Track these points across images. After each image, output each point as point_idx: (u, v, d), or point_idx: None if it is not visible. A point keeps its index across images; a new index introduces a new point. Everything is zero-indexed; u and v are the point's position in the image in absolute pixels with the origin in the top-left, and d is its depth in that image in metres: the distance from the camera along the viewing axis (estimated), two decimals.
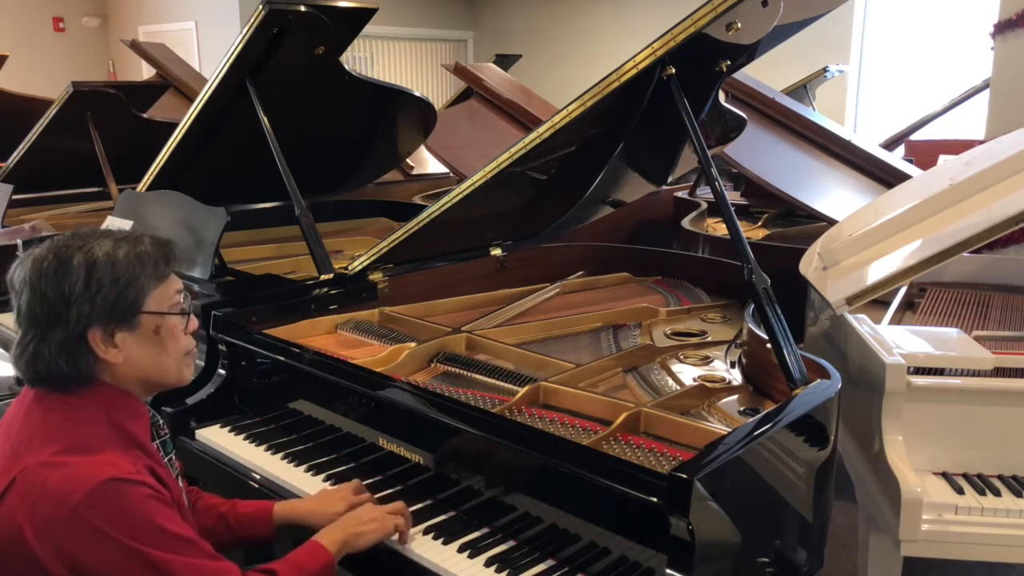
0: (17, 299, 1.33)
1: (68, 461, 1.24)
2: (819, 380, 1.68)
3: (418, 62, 10.99)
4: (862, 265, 2.32)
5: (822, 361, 1.77)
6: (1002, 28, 4.09)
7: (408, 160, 5.03)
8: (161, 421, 1.53)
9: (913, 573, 2.04)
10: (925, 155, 4.58)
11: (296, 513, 1.65)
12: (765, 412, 1.60)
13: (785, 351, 1.70)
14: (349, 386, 1.86)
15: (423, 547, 1.55)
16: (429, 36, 10.91)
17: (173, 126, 2.96)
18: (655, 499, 1.33)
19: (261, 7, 2.51)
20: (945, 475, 1.91)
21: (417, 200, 4.54)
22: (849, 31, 8.10)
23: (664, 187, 3.18)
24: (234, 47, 2.64)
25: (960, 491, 1.86)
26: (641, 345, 2.19)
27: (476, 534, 1.58)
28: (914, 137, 5.36)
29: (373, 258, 2.56)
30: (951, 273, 2.78)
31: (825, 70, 6.23)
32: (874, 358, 1.97)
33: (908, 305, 2.64)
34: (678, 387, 1.92)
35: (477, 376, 2.01)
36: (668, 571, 1.31)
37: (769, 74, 4.44)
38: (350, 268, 2.58)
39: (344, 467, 1.85)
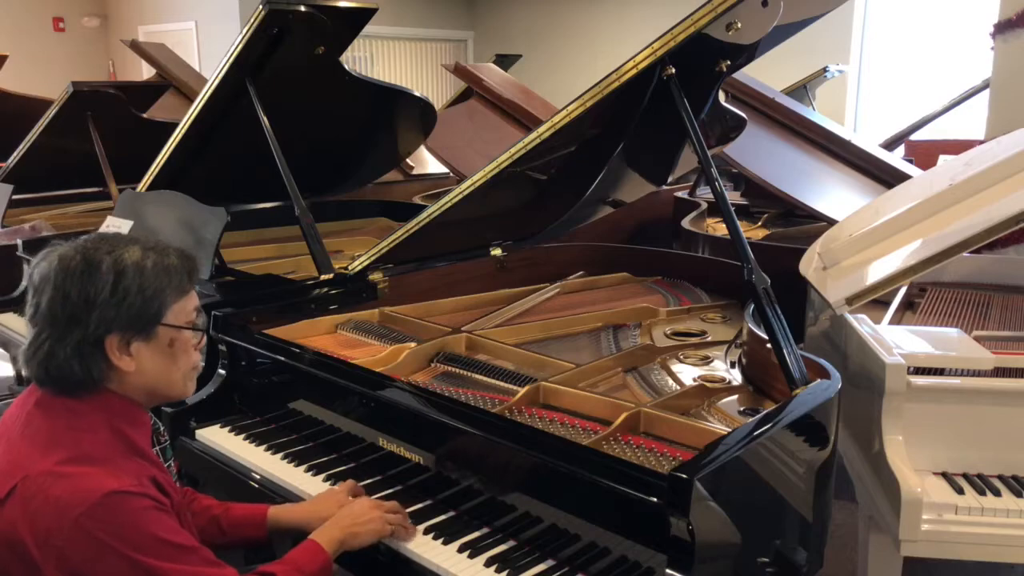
0: (36, 296, 1.33)
1: (71, 472, 1.24)
2: (819, 380, 1.68)
3: (418, 62, 10.99)
4: (862, 265, 2.32)
5: (822, 361, 1.77)
6: (1002, 28, 4.09)
7: (408, 160, 5.03)
8: (161, 428, 1.53)
9: (913, 573, 2.04)
10: (925, 155, 4.58)
11: (293, 518, 1.65)
12: (765, 412, 1.60)
13: (785, 351, 1.71)
14: (349, 386, 1.86)
15: (423, 547, 1.56)
16: (429, 36, 10.91)
17: (173, 126, 2.96)
18: (655, 499, 1.33)
19: (261, 7, 2.51)
20: (945, 475, 1.91)
21: (417, 200, 4.54)
22: (849, 31, 8.10)
23: (664, 187, 3.18)
24: (234, 47, 2.64)
25: (960, 491, 1.85)
26: (641, 345, 2.19)
27: (476, 534, 1.58)
28: (914, 137, 5.36)
29: (373, 258, 2.56)
30: (951, 273, 2.78)
31: (825, 70, 6.23)
32: (874, 358, 1.97)
33: (908, 305, 2.64)
34: (678, 387, 1.92)
35: (477, 376, 2.01)
36: (668, 571, 1.31)
37: (769, 74, 4.44)
38: (350, 268, 2.58)
39: (344, 467, 1.85)
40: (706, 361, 2.11)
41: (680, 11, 1.91)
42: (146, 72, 6.43)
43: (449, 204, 2.41)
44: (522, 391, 1.81)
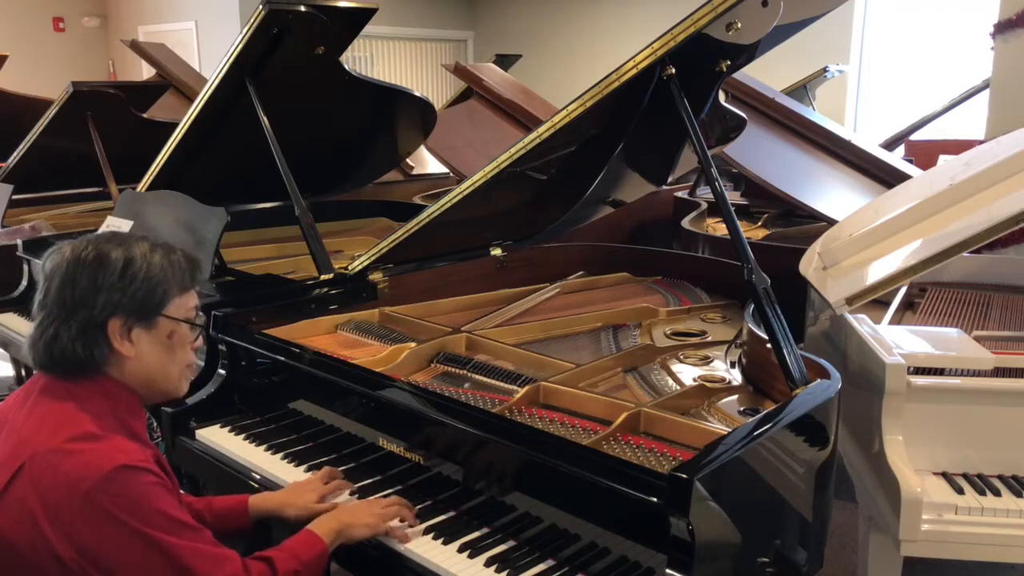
0: (47, 283, 1.38)
1: (79, 448, 1.28)
2: (819, 380, 1.68)
3: (418, 62, 10.99)
4: (862, 265, 2.32)
5: (822, 361, 1.77)
6: (1002, 28, 4.09)
7: (408, 160, 5.03)
8: (155, 424, 1.56)
9: (913, 573, 2.04)
10: (925, 155, 4.57)
11: (270, 504, 1.70)
12: (765, 412, 1.60)
13: (785, 351, 1.71)
14: (349, 386, 1.86)
15: (423, 547, 1.55)
16: (429, 36, 10.91)
17: (173, 126, 2.96)
18: (655, 499, 1.33)
19: (261, 7, 2.51)
20: (945, 475, 1.91)
21: (417, 200, 4.54)
22: (849, 31, 8.10)
23: (664, 187, 3.18)
24: (234, 47, 2.64)
25: (960, 491, 1.85)
26: (641, 345, 2.19)
27: (476, 534, 1.58)
28: (914, 137, 5.36)
29: (373, 258, 2.56)
30: (951, 273, 2.78)
31: (825, 70, 6.23)
32: (874, 358, 1.97)
33: (908, 305, 2.64)
34: (678, 387, 1.92)
35: (477, 376, 2.01)
36: (668, 571, 1.31)
37: (769, 74, 4.44)
38: (350, 268, 2.58)
39: (344, 467, 1.84)
40: (706, 361, 2.11)
41: (680, 11, 1.91)
42: (146, 72, 6.43)
43: (449, 204, 2.41)
44: (522, 391, 1.81)
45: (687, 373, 2.02)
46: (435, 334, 2.22)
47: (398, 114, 3.43)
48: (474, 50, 11.35)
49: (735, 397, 1.87)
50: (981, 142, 3.61)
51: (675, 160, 2.70)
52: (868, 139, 4.39)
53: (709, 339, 2.32)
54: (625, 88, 2.06)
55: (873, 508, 2.00)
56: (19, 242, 3.34)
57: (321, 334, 2.30)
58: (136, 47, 5.59)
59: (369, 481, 1.78)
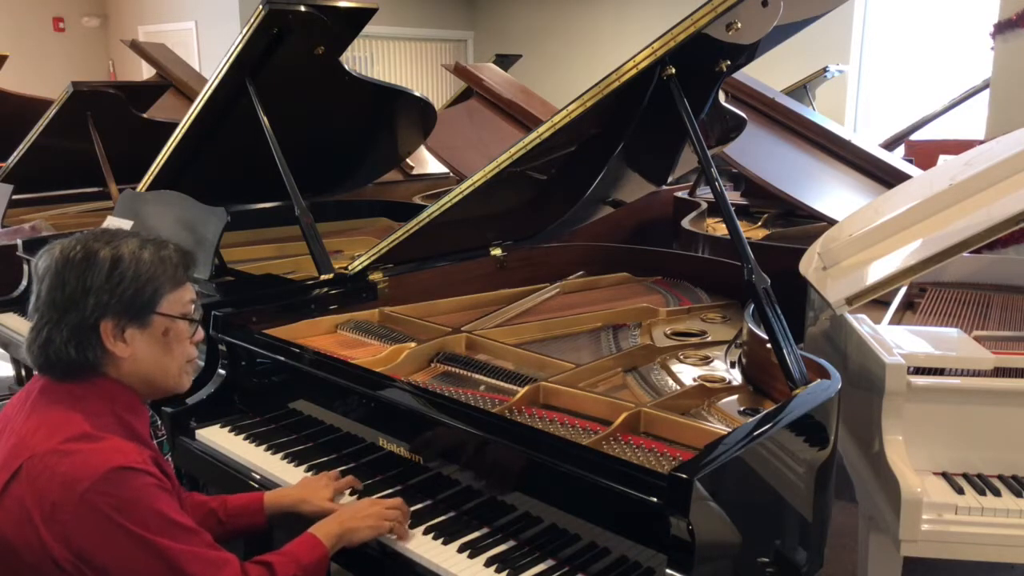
0: (38, 285, 1.37)
1: (76, 448, 1.27)
2: (819, 380, 1.68)
3: (418, 62, 10.99)
4: (862, 265, 2.32)
5: (822, 361, 1.77)
6: (1002, 28, 4.09)
7: (408, 160, 5.03)
8: (159, 422, 1.55)
9: (913, 573, 2.04)
10: (925, 155, 4.57)
11: (286, 501, 1.69)
12: (765, 412, 1.60)
13: (785, 351, 1.71)
14: (349, 386, 1.86)
15: (423, 547, 1.55)
16: (429, 36, 10.91)
17: (173, 126, 2.96)
18: (655, 499, 1.33)
19: (261, 7, 2.51)
20: (945, 475, 1.91)
21: (417, 200, 4.54)
22: (849, 31, 8.10)
23: (664, 187, 3.18)
24: (234, 47, 2.64)
25: (960, 491, 1.85)
26: (641, 345, 2.19)
27: (476, 534, 1.58)
28: (914, 137, 5.36)
29: (373, 258, 2.56)
30: (951, 273, 2.78)
31: (825, 70, 6.23)
32: (874, 358, 1.97)
33: (908, 305, 2.64)
34: (678, 387, 1.92)
35: (477, 376, 2.01)
36: (668, 571, 1.31)
37: (769, 74, 4.44)
38: (350, 268, 2.58)
39: (344, 467, 1.84)
40: (706, 361, 2.11)
41: (680, 11, 1.91)
42: (146, 72, 6.43)
43: (449, 204, 2.41)
44: (522, 391, 1.81)
45: (687, 373, 2.02)
46: (435, 334, 2.22)
47: (398, 114, 3.43)
48: (474, 50, 11.35)
49: (735, 397, 1.87)
50: (981, 142, 3.61)
51: (675, 160, 2.70)
52: (868, 139, 4.39)
53: (709, 339, 2.32)
54: (625, 88, 2.06)
55: (873, 508, 2.00)
56: (19, 242, 3.34)
57: (321, 334, 2.30)
58: (136, 47, 5.59)
59: (369, 481, 1.78)
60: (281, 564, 1.42)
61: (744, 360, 2.06)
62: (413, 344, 2.12)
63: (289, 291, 2.53)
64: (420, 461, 1.72)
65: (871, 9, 8.22)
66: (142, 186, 3.03)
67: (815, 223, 3.72)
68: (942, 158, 3.71)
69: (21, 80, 6.49)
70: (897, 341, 2.05)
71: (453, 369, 2.06)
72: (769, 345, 1.75)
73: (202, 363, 2.25)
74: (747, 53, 2.15)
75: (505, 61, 7.23)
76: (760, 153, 3.68)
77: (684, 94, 2.00)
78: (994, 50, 4.18)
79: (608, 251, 3.12)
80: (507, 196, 2.63)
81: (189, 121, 2.85)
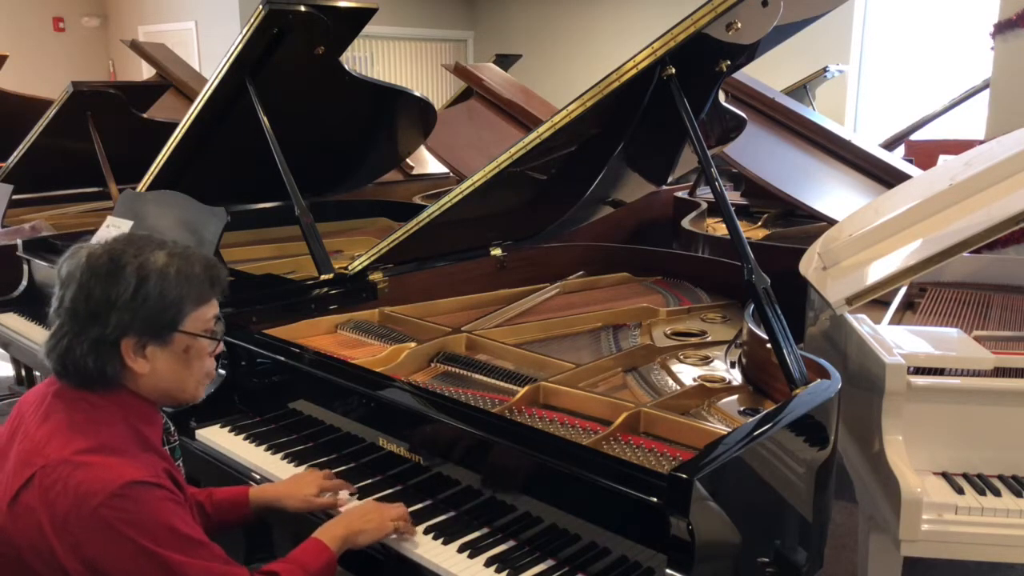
0: (62, 290, 1.35)
1: (90, 461, 1.26)
2: (819, 380, 1.68)
3: (418, 62, 10.99)
4: (862, 265, 2.32)
5: (822, 361, 1.77)
6: (1002, 28, 4.09)
7: (408, 160, 5.03)
8: (172, 428, 1.54)
9: (913, 573, 2.04)
10: (925, 155, 4.58)
11: (270, 495, 1.70)
12: (765, 412, 1.60)
13: (785, 351, 1.71)
14: (349, 386, 1.86)
15: (423, 547, 1.55)
16: (429, 36, 10.91)
17: (173, 126, 2.96)
18: (655, 499, 1.33)
19: (261, 7, 2.51)
20: (945, 475, 1.91)
21: (417, 200, 4.54)
22: (849, 31, 8.09)
23: (664, 187, 3.18)
24: (234, 47, 2.64)
25: (960, 491, 1.85)
26: (641, 345, 2.19)
27: (476, 534, 1.58)
28: (914, 137, 5.36)
29: (373, 258, 2.56)
30: (951, 273, 2.78)
31: (825, 70, 6.23)
32: (874, 358, 1.97)
33: (908, 305, 2.64)
34: (678, 387, 1.92)
35: (477, 376, 2.01)
36: (668, 571, 1.31)
37: (769, 74, 4.44)
38: (350, 268, 2.58)
39: (344, 467, 1.84)
40: (706, 361, 2.11)
41: (680, 11, 1.91)
42: (146, 72, 6.43)
43: (449, 204, 2.41)
44: (522, 391, 1.81)
45: (687, 373, 2.02)
46: (435, 334, 2.22)
47: (398, 114, 3.43)
48: (474, 50, 11.35)
49: (735, 397, 1.87)
50: (981, 142, 3.61)
51: (675, 160, 2.70)
52: (868, 139, 4.39)
53: (709, 339, 2.32)
54: (625, 88, 2.06)
55: (873, 508, 2.00)
56: (19, 242, 3.34)
57: (321, 334, 2.30)
58: (136, 47, 5.59)
59: (369, 481, 1.78)
60: (289, 572, 1.42)
61: (744, 360, 2.06)
62: (413, 344, 2.12)
63: (289, 291, 2.53)
64: (420, 461, 1.72)
65: (871, 9, 8.21)
66: (142, 186, 3.03)
67: (815, 223, 3.72)
68: (942, 158, 3.71)
69: (21, 80, 6.48)
70: (897, 341, 2.05)
71: (453, 369, 2.06)
72: (769, 345, 1.75)
73: (222, 372, 2.23)
74: (747, 53, 2.15)
75: (505, 61, 7.23)
76: (760, 153, 3.68)
77: (684, 94, 2.00)
78: (994, 50, 4.18)
79: (608, 251, 3.12)
80: (507, 196, 2.63)
81: (189, 121, 2.85)
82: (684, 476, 1.30)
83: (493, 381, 1.97)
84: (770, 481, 1.50)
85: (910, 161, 4.46)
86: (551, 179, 2.59)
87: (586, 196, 2.68)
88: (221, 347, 1.50)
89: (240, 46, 2.63)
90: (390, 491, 1.74)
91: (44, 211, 4.19)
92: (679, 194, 4.78)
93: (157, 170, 2.99)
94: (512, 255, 2.90)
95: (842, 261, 2.41)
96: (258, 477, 1.90)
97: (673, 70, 2.00)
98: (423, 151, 4.74)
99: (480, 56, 10.94)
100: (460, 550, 1.53)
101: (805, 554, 1.57)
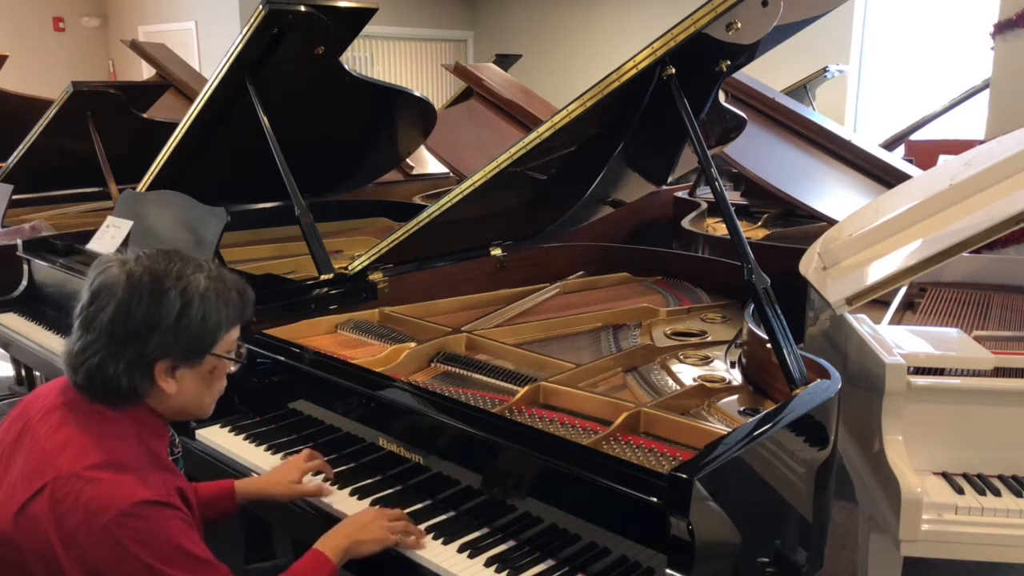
0: (95, 304, 1.33)
1: (102, 477, 1.26)
2: (819, 380, 1.68)
3: (418, 62, 10.99)
4: (862, 265, 2.32)
5: (822, 361, 1.77)
6: (1002, 28, 4.09)
7: (408, 160, 5.03)
8: (176, 439, 1.54)
9: (913, 573, 2.04)
10: (925, 155, 4.58)
11: (255, 487, 1.73)
12: (765, 412, 1.60)
13: (785, 351, 1.70)
14: (349, 386, 1.86)
15: (421, 546, 1.55)
16: (429, 36, 10.91)
17: (173, 126, 2.96)
18: (655, 499, 1.33)
19: (261, 7, 2.51)
20: (945, 475, 1.91)
21: (417, 200, 4.54)
22: (849, 31, 8.10)
23: (664, 187, 3.18)
24: (234, 47, 2.64)
25: (960, 491, 1.86)
26: (641, 345, 2.19)
27: (476, 534, 1.58)
28: (914, 137, 5.36)
29: (373, 258, 2.56)
30: (951, 273, 2.78)
31: (825, 70, 6.23)
32: (874, 358, 1.97)
33: (908, 305, 2.64)
34: (678, 387, 1.92)
35: (477, 376, 2.01)
36: (668, 571, 1.31)
37: (769, 74, 4.44)
38: (350, 268, 2.58)
39: (344, 467, 1.85)
40: (706, 361, 2.11)
41: (680, 11, 1.91)
42: (146, 72, 6.43)
43: (449, 204, 2.41)
44: (522, 391, 1.81)
45: (687, 373, 2.02)
46: (435, 334, 2.22)
47: (398, 114, 3.43)
48: (474, 50, 11.35)
49: (735, 397, 1.87)
50: (981, 142, 3.61)
51: (675, 160, 2.70)
52: (868, 139, 4.39)
53: (709, 339, 2.32)
54: (625, 88, 2.06)
55: (873, 508, 2.00)
56: (19, 242, 3.34)
57: (321, 334, 2.30)
58: (136, 47, 5.59)
59: (369, 481, 1.78)
60: None
61: (744, 360, 2.06)
62: (413, 344, 2.12)
63: (289, 291, 2.53)
64: (420, 461, 1.72)
65: (871, 9, 8.21)
66: (142, 186, 3.03)
67: (815, 223, 3.72)
68: (942, 158, 3.71)
69: (21, 80, 6.49)
70: (897, 341, 2.05)
71: (453, 369, 2.06)
72: (769, 345, 1.75)
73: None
74: (747, 53, 2.15)
75: (505, 61, 7.23)
76: (760, 153, 3.68)
77: (684, 94, 2.00)
78: (994, 50, 4.18)
79: (608, 251, 3.12)
80: (507, 196, 2.63)
81: (189, 121, 2.85)
82: (684, 476, 1.30)
83: (493, 381, 1.97)
84: (770, 481, 1.50)
85: (910, 161, 4.46)
86: (551, 179, 2.59)
87: (586, 196, 2.68)
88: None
89: (240, 46, 2.63)
90: (390, 491, 1.74)
91: (44, 211, 4.19)
92: (679, 194, 4.78)
93: (157, 170, 2.99)
94: (512, 255, 2.90)
95: (842, 261, 2.41)
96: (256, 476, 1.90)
97: (673, 70, 2.00)
98: (423, 151, 4.74)
99: (480, 56, 10.94)
100: (460, 550, 1.53)
101: (805, 554, 1.57)
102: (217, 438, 2.06)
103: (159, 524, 1.26)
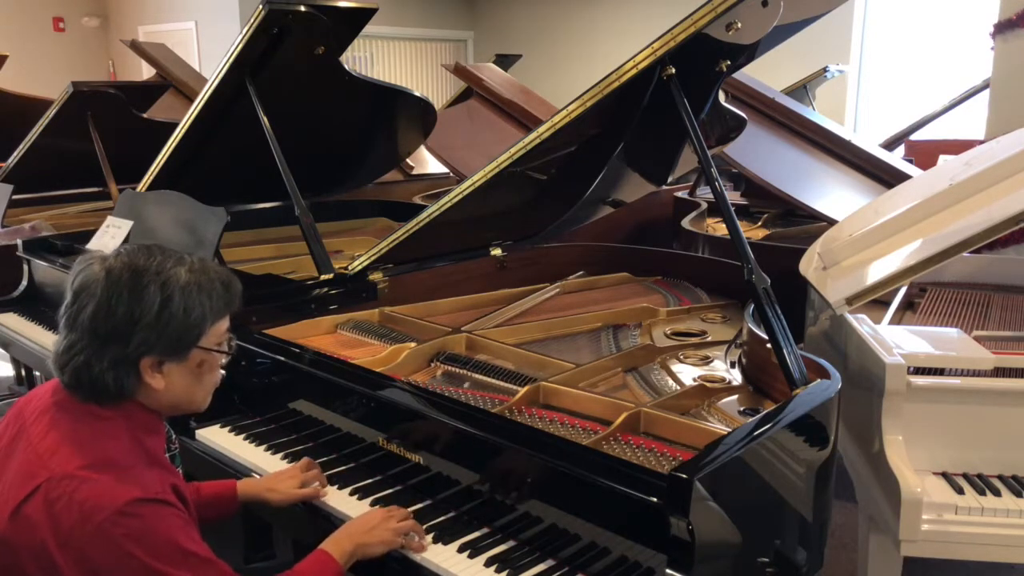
0: (76, 303, 1.32)
1: (96, 477, 1.25)
2: (819, 380, 1.68)
3: (418, 62, 10.99)
4: (862, 265, 2.32)
5: (822, 361, 1.77)
6: (1002, 28, 4.09)
7: (408, 160, 5.03)
8: (173, 435, 1.54)
9: (913, 573, 2.04)
10: (925, 155, 4.58)
11: (254, 490, 1.74)
12: (765, 412, 1.60)
13: (785, 351, 1.70)
14: (349, 386, 1.86)
15: (422, 547, 1.55)
16: (429, 36, 10.91)
17: (173, 126, 2.96)
18: (655, 499, 1.33)
19: (261, 7, 2.51)
20: (945, 475, 1.91)
21: (417, 200, 4.54)
22: (849, 31, 8.10)
23: (664, 187, 3.18)
24: (234, 47, 2.64)
25: (960, 491, 1.86)
26: (641, 345, 2.19)
27: (476, 534, 1.58)
28: (914, 137, 5.36)
29: (373, 258, 2.56)
30: (951, 273, 2.78)
31: (825, 70, 6.23)
32: (874, 358, 1.97)
33: (908, 305, 2.64)
34: (678, 387, 1.92)
35: (477, 376, 2.01)
36: (668, 571, 1.31)
37: (769, 74, 4.44)
38: (350, 268, 2.58)
39: (344, 467, 1.85)
40: (706, 361, 2.11)
41: (680, 11, 1.91)
42: (146, 72, 6.43)
43: (449, 204, 2.41)
44: (522, 391, 1.81)
45: (687, 373, 2.02)
46: (435, 334, 2.22)
47: (398, 114, 3.43)
48: (474, 50, 11.35)
49: (735, 397, 1.87)
50: (981, 142, 3.61)
51: (675, 160, 2.70)
52: (868, 139, 4.39)
53: (709, 339, 2.32)
54: (625, 88, 2.06)
55: (873, 508, 2.00)
56: (19, 242, 3.34)
57: (321, 334, 2.30)
58: (136, 47, 5.59)
59: (369, 481, 1.78)
60: None
61: (744, 360, 2.06)
62: (413, 344, 2.12)
63: (289, 291, 2.53)
64: (420, 461, 1.72)
65: (871, 9, 8.22)
66: (142, 186, 3.03)
67: (815, 223, 3.72)
68: (942, 158, 3.71)
69: (21, 80, 6.49)
70: (897, 341, 2.05)
71: (453, 369, 2.06)
72: (769, 345, 1.75)
73: (223, 372, 2.20)
74: (747, 53, 2.15)
75: (505, 61, 7.23)
76: (760, 153, 3.68)
77: (684, 94, 2.00)
78: (994, 50, 4.18)
79: (608, 251, 3.12)
80: (507, 196, 2.63)
81: (189, 121, 2.85)
82: (684, 476, 1.30)
83: (493, 381, 1.97)
84: (770, 481, 1.50)
85: (910, 161, 4.46)
86: (551, 179, 2.59)
87: (586, 196, 2.69)
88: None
89: (240, 46, 2.63)
90: (390, 491, 1.74)
91: (44, 211, 4.19)
92: (679, 194, 4.78)
93: (157, 170, 2.99)
94: (512, 255, 2.90)
95: (842, 261, 2.41)
96: (258, 477, 1.90)
97: (673, 70, 2.00)
98: (423, 151, 4.74)
99: (480, 56, 10.94)
100: (460, 550, 1.53)
101: (805, 554, 1.57)
102: (217, 438, 2.06)
103: (155, 522, 1.25)
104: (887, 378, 1.90)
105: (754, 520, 1.46)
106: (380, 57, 10.53)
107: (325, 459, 1.89)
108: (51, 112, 3.80)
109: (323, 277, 2.56)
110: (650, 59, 1.99)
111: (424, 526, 1.60)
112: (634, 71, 2.02)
